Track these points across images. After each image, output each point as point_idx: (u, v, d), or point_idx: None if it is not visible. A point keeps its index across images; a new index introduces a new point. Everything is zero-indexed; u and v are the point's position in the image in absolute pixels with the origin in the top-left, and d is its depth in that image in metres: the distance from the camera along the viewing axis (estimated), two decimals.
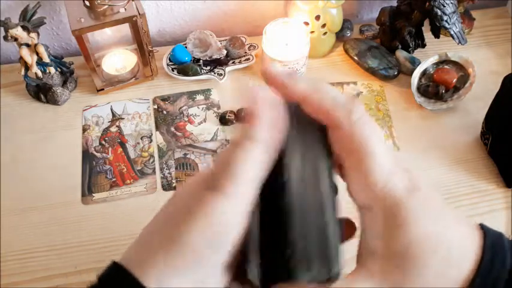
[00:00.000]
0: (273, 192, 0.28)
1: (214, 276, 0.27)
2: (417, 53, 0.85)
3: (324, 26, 0.83)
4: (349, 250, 0.29)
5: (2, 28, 0.72)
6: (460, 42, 0.81)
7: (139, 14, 0.73)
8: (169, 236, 0.27)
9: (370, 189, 0.26)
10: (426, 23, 0.83)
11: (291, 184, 0.27)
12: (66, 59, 0.82)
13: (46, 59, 0.77)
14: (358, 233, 0.30)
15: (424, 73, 0.80)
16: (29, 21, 0.73)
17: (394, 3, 0.85)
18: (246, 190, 0.26)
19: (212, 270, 0.27)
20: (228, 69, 0.83)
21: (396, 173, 0.27)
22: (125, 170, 0.73)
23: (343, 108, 0.27)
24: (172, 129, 0.78)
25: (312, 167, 0.27)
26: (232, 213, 0.26)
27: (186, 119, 0.79)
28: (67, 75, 0.82)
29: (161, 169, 0.73)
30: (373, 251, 0.26)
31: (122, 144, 0.76)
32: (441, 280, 0.25)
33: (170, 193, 0.70)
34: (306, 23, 0.82)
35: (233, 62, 0.84)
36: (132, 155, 0.75)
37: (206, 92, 0.82)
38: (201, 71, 0.83)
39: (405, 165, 0.28)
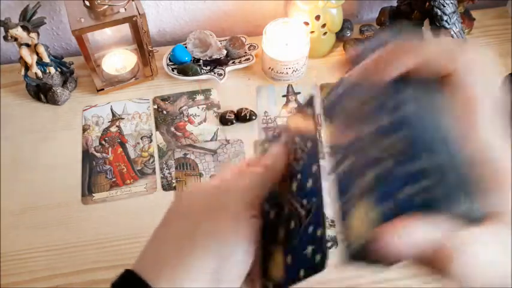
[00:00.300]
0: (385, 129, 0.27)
1: (228, 275, 0.28)
2: None
3: (324, 26, 0.83)
4: None
5: (2, 28, 0.72)
6: None
7: (139, 14, 0.73)
8: (181, 238, 0.28)
9: (473, 139, 0.24)
10: (426, 23, 0.83)
11: (409, 114, 0.25)
12: (66, 59, 0.82)
13: (46, 59, 0.77)
14: None
15: None
16: (29, 21, 0.73)
17: (394, 3, 0.85)
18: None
19: (227, 267, 0.28)
20: (228, 69, 0.83)
21: (500, 132, 0.25)
22: (125, 170, 0.73)
23: (448, 54, 0.25)
24: (172, 129, 0.78)
25: (430, 102, 0.26)
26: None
27: (186, 119, 0.79)
28: (67, 75, 0.82)
29: (161, 169, 0.73)
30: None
31: (122, 144, 0.76)
32: None
33: (170, 193, 0.70)
34: (306, 23, 0.82)
35: (233, 62, 0.84)
36: (132, 155, 0.75)
37: (206, 92, 0.82)
38: (201, 71, 0.83)
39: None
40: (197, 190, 0.33)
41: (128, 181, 0.72)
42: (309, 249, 0.26)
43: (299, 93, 0.81)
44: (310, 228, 0.27)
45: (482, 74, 0.25)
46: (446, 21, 0.78)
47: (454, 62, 0.25)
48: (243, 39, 0.86)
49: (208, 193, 0.31)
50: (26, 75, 0.78)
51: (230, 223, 0.29)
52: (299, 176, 0.30)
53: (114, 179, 0.72)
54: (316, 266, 0.26)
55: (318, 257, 0.26)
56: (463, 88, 0.25)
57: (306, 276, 0.27)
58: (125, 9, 0.73)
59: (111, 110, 0.80)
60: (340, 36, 0.88)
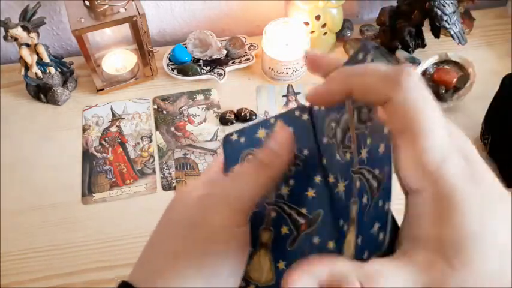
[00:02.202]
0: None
1: (219, 277, 0.28)
2: (417, 53, 0.85)
3: (324, 26, 0.83)
4: None
5: (2, 28, 0.72)
6: (460, 42, 0.81)
7: (139, 14, 0.73)
8: (174, 246, 0.28)
9: (422, 170, 0.23)
10: (426, 23, 0.83)
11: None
12: (66, 59, 0.82)
13: (46, 59, 0.77)
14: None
15: (424, 73, 0.80)
16: (29, 21, 0.73)
17: (394, 3, 0.85)
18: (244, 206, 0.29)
19: (219, 273, 0.28)
20: (228, 69, 0.83)
21: (452, 155, 0.24)
22: (125, 170, 0.73)
23: (389, 80, 0.24)
24: (172, 129, 0.78)
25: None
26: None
27: (186, 119, 0.79)
28: (67, 75, 0.82)
29: (161, 169, 0.73)
30: (416, 239, 0.24)
31: (122, 144, 0.76)
32: (490, 282, 0.23)
33: (170, 193, 0.70)
34: (306, 23, 0.82)
35: (233, 62, 0.84)
36: (132, 155, 0.75)
37: (206, 92, 0.82)
38: (201, 71, 0.83)
39: (470, 152, 0.25)
40: (183, 198, 0.30)
41: (128, 181, 0.72)
42: (376, 227, 0.24)
43: (299, 93, 0.81)
44: (380, 203, 0.24)
45: (429, 100, 0.24)
46: (446, 21, 0.78)
47: (397, 87, 0.23)
48: (243, 39, 0.86)
49: (192, 205, 0.29)
50: (26, 75, 0.78)
51: (213, 240, 0.27)
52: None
53: (114, 179, 0.72)
54: (379, 246, 0.23)
55: (381, 236, 0.23)
56: (409, 114, 0.23)
57: (369, 257, 0.25)
58: (125, 9, 0.73)
59: (111, 110, 0.80)
60: (340, 36, 0.88)
